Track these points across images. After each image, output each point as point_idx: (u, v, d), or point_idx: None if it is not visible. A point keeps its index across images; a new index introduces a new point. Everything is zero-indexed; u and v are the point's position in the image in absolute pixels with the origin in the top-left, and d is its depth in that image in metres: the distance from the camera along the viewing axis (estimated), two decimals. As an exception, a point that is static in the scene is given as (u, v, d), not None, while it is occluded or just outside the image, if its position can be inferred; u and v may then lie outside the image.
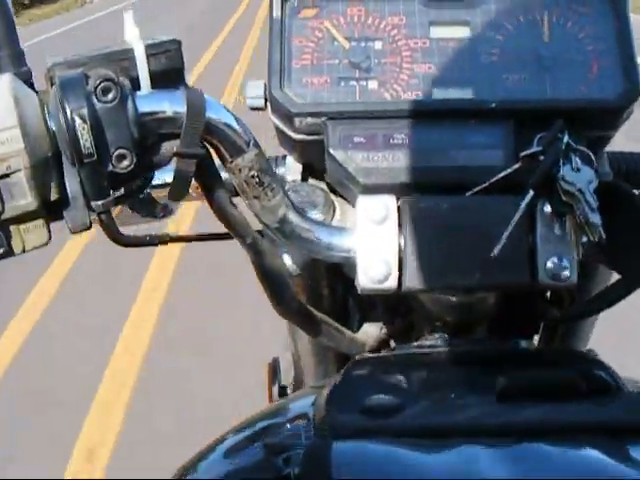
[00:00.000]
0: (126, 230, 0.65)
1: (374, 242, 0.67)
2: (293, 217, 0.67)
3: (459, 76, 0.72)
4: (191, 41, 7.09)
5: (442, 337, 0.79)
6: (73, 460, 2.33)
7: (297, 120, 0.71)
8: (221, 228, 0.68)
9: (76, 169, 0.56)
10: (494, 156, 0.70)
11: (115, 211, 0.63)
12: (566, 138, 0.66)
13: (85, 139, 0.54)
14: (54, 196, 0.58)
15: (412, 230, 0.67)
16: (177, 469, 0.65)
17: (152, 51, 0.59)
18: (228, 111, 0.62)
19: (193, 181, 0.61)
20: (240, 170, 0.63)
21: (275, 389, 1.17)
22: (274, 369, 1.21)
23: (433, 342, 0.79)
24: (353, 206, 0.72)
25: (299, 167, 0.79)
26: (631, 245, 0.69)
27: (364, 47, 0.73)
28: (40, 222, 0.58)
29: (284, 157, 0.82)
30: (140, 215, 0.78)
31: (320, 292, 0.85)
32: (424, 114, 0.71)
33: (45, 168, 0.56)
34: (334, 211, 0.74)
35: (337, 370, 0.94)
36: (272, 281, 0.70)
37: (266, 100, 0.75)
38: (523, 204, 0.65)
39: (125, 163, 0.56)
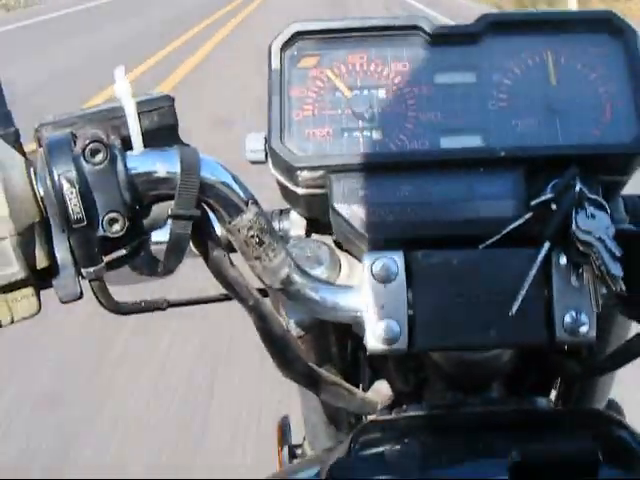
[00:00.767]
0: (120, 289, 0.62)
1: (382, 301, 0.65)
2: (297, 277, 0.64)
3: (466, 123, 0.70)
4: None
5: (456, 395, 0.76)
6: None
7: (299, 174, 0.69)
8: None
9: (65, 235, 0.54)
10: (505, 206, 0.67)
11: None
12: (579, 185, 0.63)
13: (74, 203, 0.52)
14: (42, 264, 0.55)
15: (422, 287, 0.64)
16: None
17: (144, 108, 0.57)
18: (225, 169, 0.60)
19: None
20: (239, 230, 0.60)
21: (285, 452, 1.13)
22: (283, 430, 1.17)
23: (446, 401, 0.76)
24: (360, 262, 0.69)
25: (303, 221, 0.77)
26: None
27: (367, 96, 0.71)
28: (29, 291, 0.56)
29: (288, 210, 0.79)
30: (139, 274, 0.76)
31: (328, 351, 0.82)
32: (431, 165, 0.68)
33: (32, 234, 0.54)
34: (340, 268, 0.71)
35: (350, 428, 0.91)
36: (276, 343, 0.67)
37: (266, 153, 0.72)
38: (540, 257, 0.62)
39: (116, 227, 0.54)
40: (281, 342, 0.67)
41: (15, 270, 0.53)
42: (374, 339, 0.65)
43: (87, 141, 0.53)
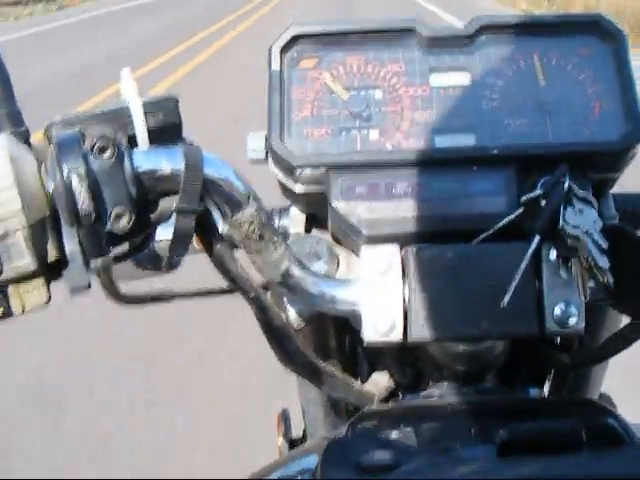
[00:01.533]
0: (127, 284, 0.64)
1: (379, 294, 0.67)
2: (296, 271, 0.66)
3: (460, 123, 0.72)
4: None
5: (451, 386, 0.78)
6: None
7: (298, 172, 0.71)
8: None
9: (74, 228, 0.56)
10: (497, 202, 0.69)
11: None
12: (567, 181, 0.65)
13: (82, 199, 0.54)
14: (53, 256, 0.57)
15: (417, 280, 0.66)
16: None
17: (149, 108, 0.59)
18: (227, 166, 0.62)
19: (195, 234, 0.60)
20: (241, 225, 0.62)
21: (285, 442, 1.15)
22: (283, 422, 1.19)
23: (441, 391, 0.77)
24: (357, 257, 0.71)
25: (303, 218, 0.79)
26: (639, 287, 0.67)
27: (364, 96, 0.73)
28: (40, 282, 0.58)
29: (287, 208, 0.81)
30: (143, 269, 0.78)
31: (327, 344, 0.84)
32: (426, 162, 0.71)
33: (43, 228, 0.56)
34: (338, 262, 0.73)
35: (347, 420, 0.93)
36: (276, 335, 0.69)
37: (267, 152, 0.75)
38: (530, 250, 0.64)
39: (123, 222, 0.56)
40: (281, 334, 0.69)
41: (27, 262, 0.55)
42: (371, 331, 0.67)
43: (95, 139, 0.55)
